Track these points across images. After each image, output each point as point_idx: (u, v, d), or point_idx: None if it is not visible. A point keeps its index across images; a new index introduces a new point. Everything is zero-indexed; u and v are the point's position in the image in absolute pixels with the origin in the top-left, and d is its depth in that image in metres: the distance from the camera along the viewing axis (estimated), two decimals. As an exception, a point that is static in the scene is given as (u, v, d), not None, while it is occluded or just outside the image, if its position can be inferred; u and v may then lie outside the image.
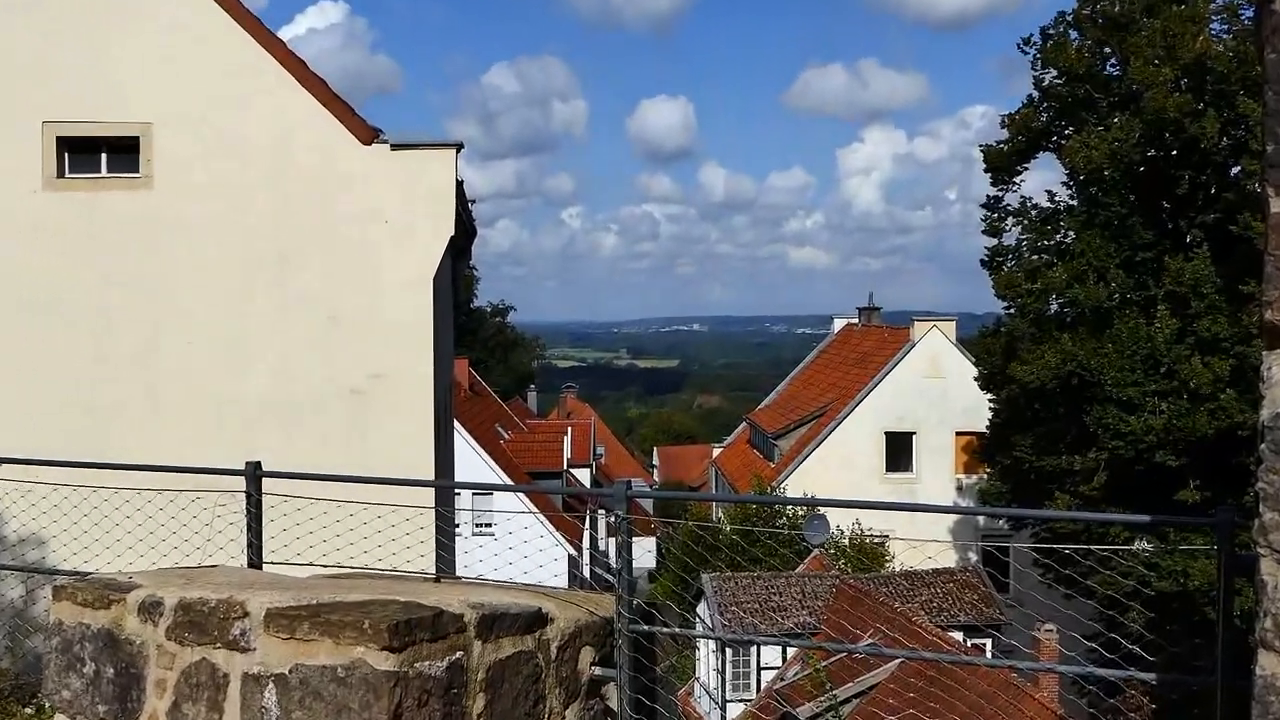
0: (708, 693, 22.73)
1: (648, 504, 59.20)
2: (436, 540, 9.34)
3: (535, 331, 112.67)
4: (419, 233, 11.49)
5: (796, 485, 34.43)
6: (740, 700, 21.77)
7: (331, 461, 10.71)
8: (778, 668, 21.35)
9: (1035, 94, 26.14)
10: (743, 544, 24.49)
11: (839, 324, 45.81)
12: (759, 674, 22.08)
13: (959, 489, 36.03)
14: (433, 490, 10.97)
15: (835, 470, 35.70)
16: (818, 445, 36.14)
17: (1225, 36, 23.41)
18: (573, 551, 35.30)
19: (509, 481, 36.77)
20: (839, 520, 29.91)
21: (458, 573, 9.45)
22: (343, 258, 11.56)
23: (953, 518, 33.81)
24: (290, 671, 3.76)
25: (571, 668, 4.39)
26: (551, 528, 34.28)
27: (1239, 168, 23.14)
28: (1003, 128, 26.34)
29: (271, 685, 3.80)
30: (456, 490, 25.81)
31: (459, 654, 3.87)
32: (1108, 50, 24.72)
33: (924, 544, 27.43)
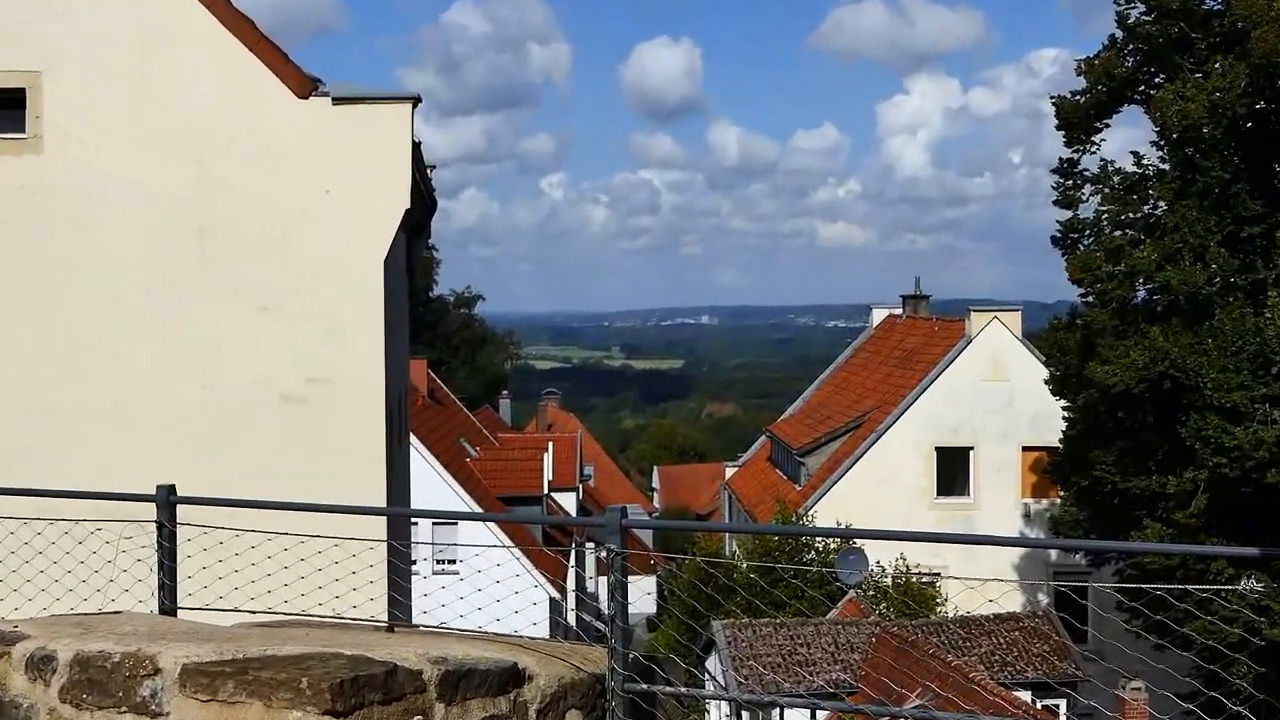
0: (720, 765, 28.81)
1: (646, 536, 59.29)
2: (389, 580, 9.05)
3: (509, 325, 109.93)
4: (367, 205, 11.47)
5: (828, 513, 34.32)
6: (760, 774, 27.16)
7: (261, 485, 10.49)
8: (806, 735, 22.96)
9: (1119, 34, 25.70)
10: (762, 584, 24.19)
11: (879, 315, 45.37)
12: (783, 742, 23.81)
13: (1026, 516, 35.72)
14: (385, 519, 10.88)
15: (875, 494, 35.50)
16: (854, 463, 35.94)
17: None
18: (555, 594, 35.38)
19: (476, 509, 34.77)
20: (880, 555, 29.34)
21: (415, 620, 9.35)
22: (275, 236, 11.47)
23: (1018, 552, 33.25)
24: (212, 741, 4.61)
25: (554, 735, 5.40)
26: (529, 565, 34.11)
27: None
28: (1079, 75, 26.03)
29: (189, 758, 4.63)
30: (414, 519, 24.54)
31: (417, 719, 3.84)
32: (1207, -19, 31.60)
33: (983, 584, 26.95)
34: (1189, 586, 18.74)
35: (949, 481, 36.52)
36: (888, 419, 36.50)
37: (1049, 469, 30.75)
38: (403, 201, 11.46)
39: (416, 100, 11.48)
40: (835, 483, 36.02)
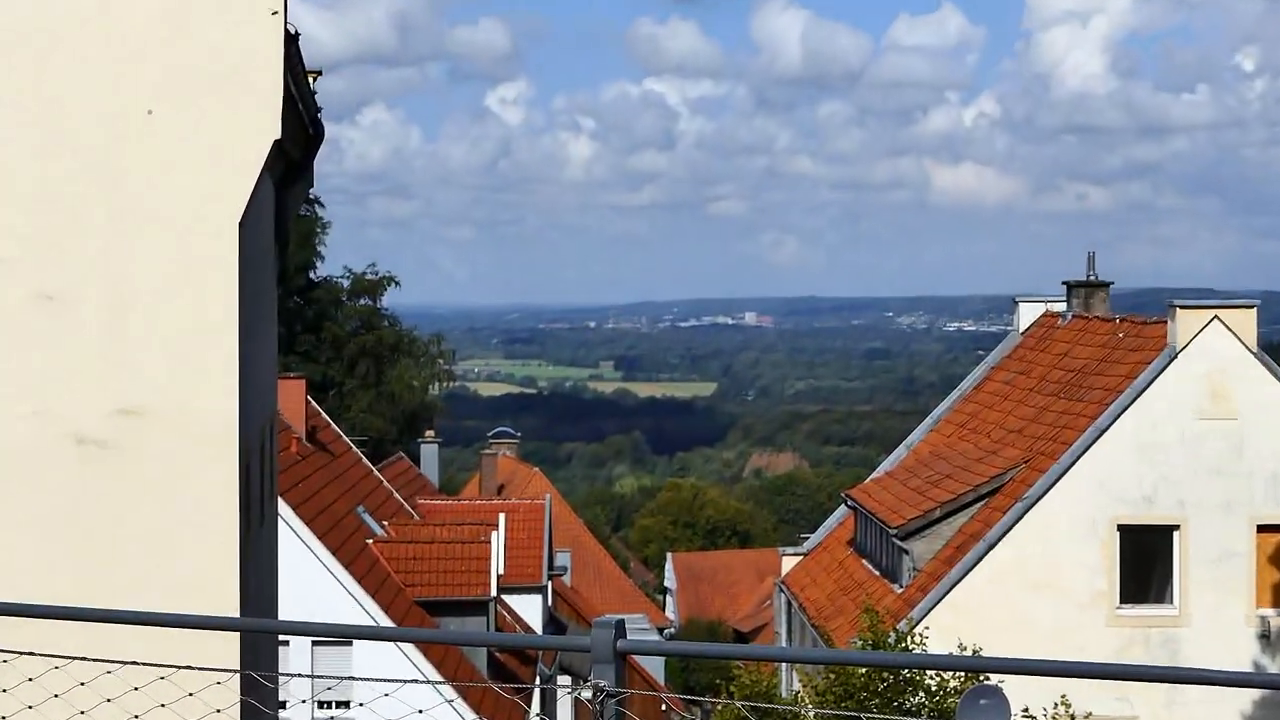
0: None
1: (655, 665, 59.31)
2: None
3: (437, 326, 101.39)
4: (212, 136, 11.34)
5: (946, 630, 33.55)
6: None
7: (40, 580, 10.42)
8: None
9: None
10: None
11: (1028, 314, 46.34)
12: None
13: (1264, 636, 35.92)
14: (237, 637, 10.81)
15: (1022, 601, 35.31)
16: (988, 551, 35.83)
17: None
18: (509, 761, 33.66)
19: (383, 620, 33.39)
20: (1029, 696, 28.01)
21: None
22: (67, 185, 11.32)
23: (1252, 694, 33.05)
24: None
25: None
26: (467, 712, 32.80)
27: None
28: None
29: None
30: (284, 637, 24.43)
31: None
32: None
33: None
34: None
35: (1140, 580, 36.01)
36: (1042, 480, 35.98)
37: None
38: (269, 129, 11.39)
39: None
40: (958, 582, 35.78)
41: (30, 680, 6.29)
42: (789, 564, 46.75)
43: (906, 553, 37.64)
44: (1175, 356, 35.85)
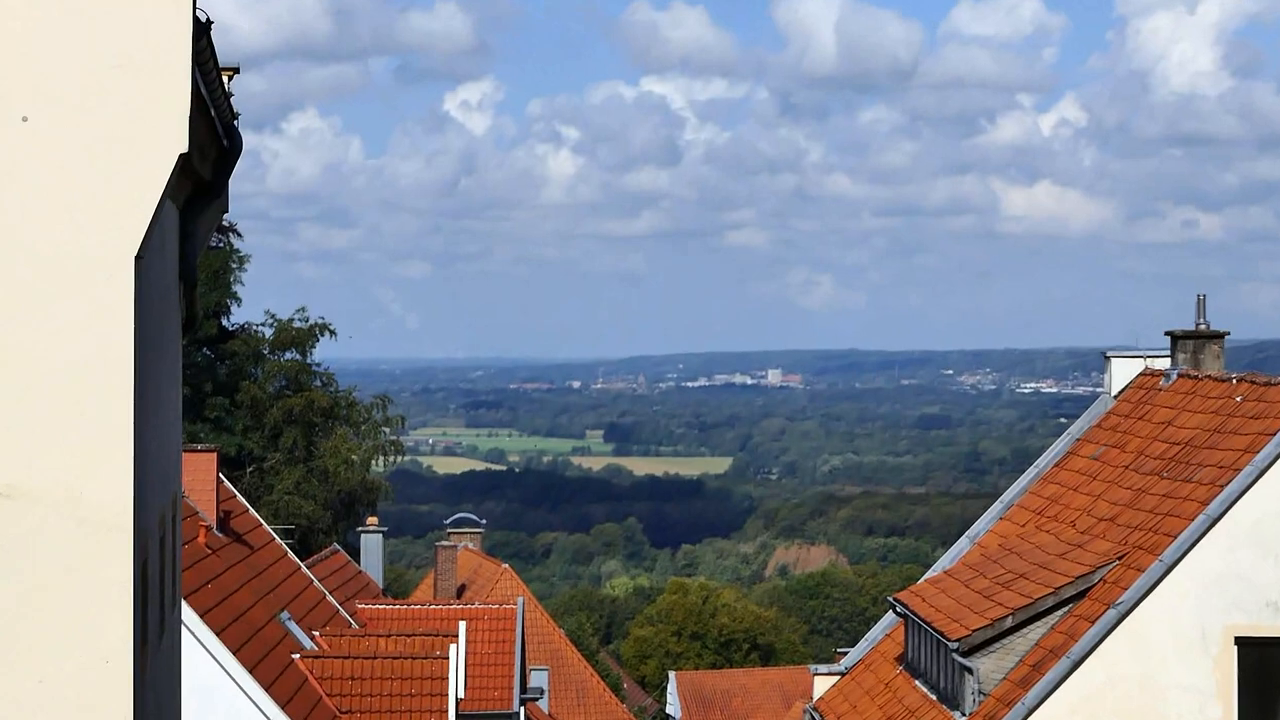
0: None
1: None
2: None
3: (383, 385, 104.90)
4: (101, 149, 11.47)
5: None
6: None
7: None
8: None
9: None
10: None
11: (1123, 371, 48.01)
12: None
13: None
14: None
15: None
16: (1072, 670, 36.20)
17: None
18: None
19: None
20: None
21: None
22: None
23: None
24: None
25: None
26: None
27: None
28: None
29: None
30: None
31: None
32: None
33: None
34: None
35: (1264, 708, 36.67)
36: (1141, 581, 36.47)
37: None
38: (173, 141, 11.51)
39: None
40: (1034, 710, 36.13)
41: None
42: (823, 685, 45.46)
43: (970, 672, 36.98)
44: (1315, 428, 31.42)
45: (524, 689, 46.72)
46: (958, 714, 36.87)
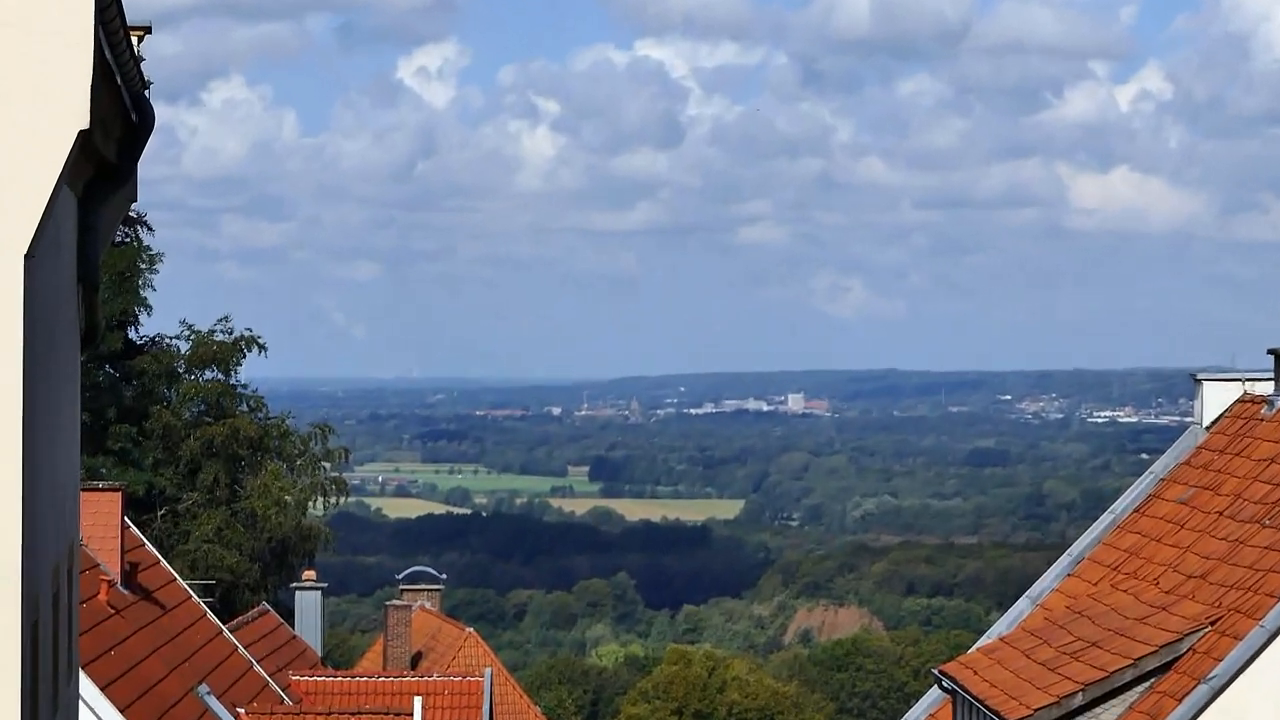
0: None
1: None
2: None
3: (321, 411, 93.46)
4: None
5: None
6: None
7: None
8: None
9: None
10: None
11: (1216, 395, 45.49)
12: None
13: None
14: None
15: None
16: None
17: None
18: None
19: None
20: None
21: None
22: None
23: None
24: None
25: None
26: None
27: None
28: None
29: None
30: None
31: None
32: None
33: None
34: None
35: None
36: (1239, 651, 34.96)
37: None
38: (72, 115, 11.61)
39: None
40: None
41: None
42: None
43: (1040, 753, 32.47)
44: None
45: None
46: (1022, 810, 32.06)
